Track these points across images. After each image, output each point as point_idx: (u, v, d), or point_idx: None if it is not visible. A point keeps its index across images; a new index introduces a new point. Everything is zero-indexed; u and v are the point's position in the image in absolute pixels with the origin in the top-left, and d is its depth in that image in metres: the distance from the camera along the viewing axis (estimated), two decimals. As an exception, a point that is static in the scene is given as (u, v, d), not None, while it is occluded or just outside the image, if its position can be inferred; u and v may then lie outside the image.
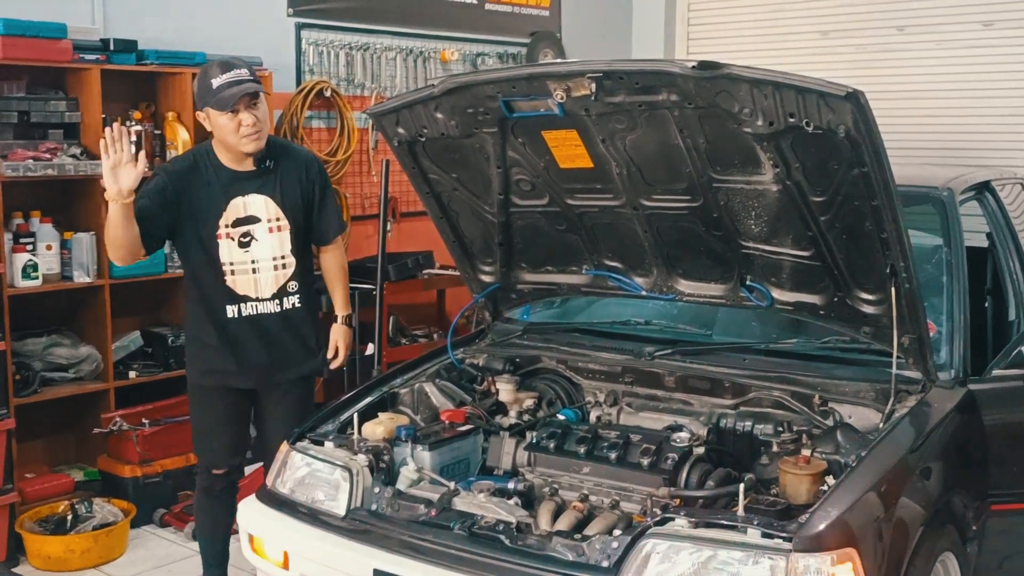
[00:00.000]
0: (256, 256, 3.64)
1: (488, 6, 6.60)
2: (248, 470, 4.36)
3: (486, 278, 3.83)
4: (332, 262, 3.92)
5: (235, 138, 3.54)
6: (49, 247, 4.54)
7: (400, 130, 3.43)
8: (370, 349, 5.52)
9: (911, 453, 2.87)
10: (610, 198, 3.33)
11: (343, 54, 5.83)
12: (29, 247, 4.46)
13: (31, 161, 4.41)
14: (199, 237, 3.61)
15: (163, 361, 4.91)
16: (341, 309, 3.93)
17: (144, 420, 4.68)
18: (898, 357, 3.06)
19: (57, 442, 4.85)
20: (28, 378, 4.45)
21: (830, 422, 3.11)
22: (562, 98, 3.00)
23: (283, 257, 3.67)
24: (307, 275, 3.78)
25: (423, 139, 3.42)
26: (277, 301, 3.68)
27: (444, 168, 3.52)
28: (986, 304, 4.16)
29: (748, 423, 3.22)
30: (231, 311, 3.64)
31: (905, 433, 2.91)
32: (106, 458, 4.74)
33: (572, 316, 4.11)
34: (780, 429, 3.10)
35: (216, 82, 3.50)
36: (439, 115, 3.31)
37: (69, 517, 4.32)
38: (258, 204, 3.63)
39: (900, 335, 3.03)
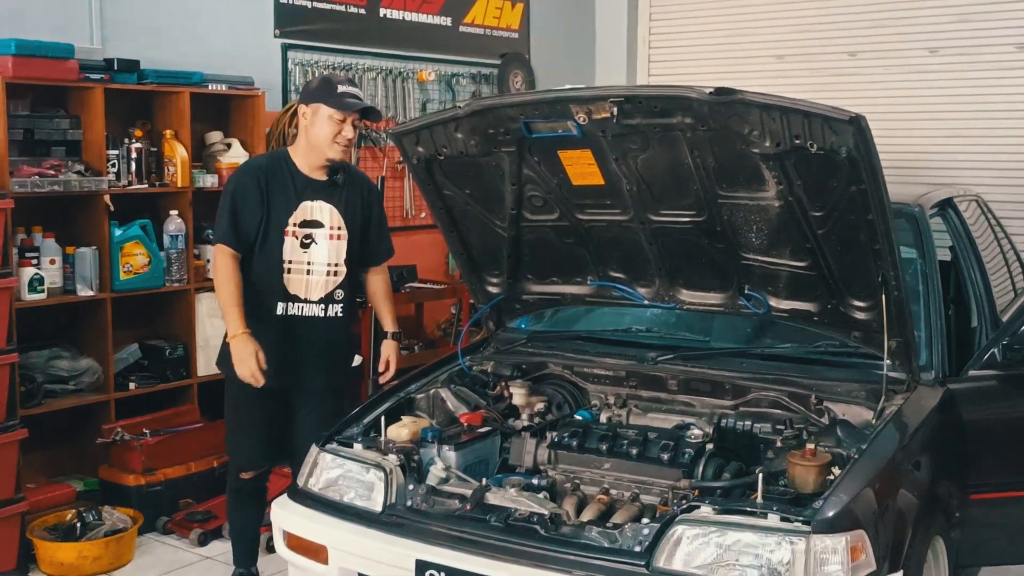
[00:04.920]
0: (313, 258, 3.84)
1: (462, 28, 6.82)
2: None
3: (492, 289, 4.02)
4: (382, 282, 4.14)
5: (327, 142, 3.78)
6: (52, 261, 4.64)
7: (420, 149, 3.62)
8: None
9: (905, 446, 3.14)
10: (618, 213, 3.55)
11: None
12: (34, 261, 4.56)
13: (37, 177, 4.51)
14: (270, 232, 3.80)
15: (160, 373, 5.01)
16: (391, 325, 4.13)
17: (145, 430, 4.78)
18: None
19: (55, 453, 4.90)
20: (32, 390, 4.53)
21: (825, 420, 3.36)
22: (583, 120, 3.21)
23: (336, 264, 3.87)
24: (353, 287, 3.96)
25: (442, 157, 3.61)
26: (323, 306, 3.87)
27: (459, 185, 3.72)
28: (949, 312, 4.46)
29: (748, 422, 3.44)
30: (280, 308, 3.83)
31: (899, 428, 3.17)
32: (108, 468, 4.82)
33: (565, 326, 4.32)
34: (781, 427, 3.34)
35: (341, 88, 3.79)
36: (459, 135, 3.51)
37: (78, 525, 4.40)
38: (324, 211, 3.86)
39: (889, 339, 3.30)
